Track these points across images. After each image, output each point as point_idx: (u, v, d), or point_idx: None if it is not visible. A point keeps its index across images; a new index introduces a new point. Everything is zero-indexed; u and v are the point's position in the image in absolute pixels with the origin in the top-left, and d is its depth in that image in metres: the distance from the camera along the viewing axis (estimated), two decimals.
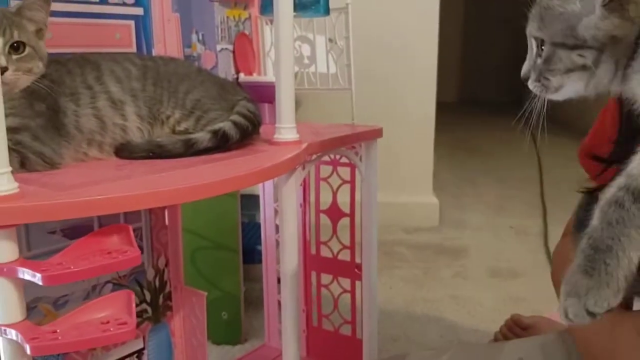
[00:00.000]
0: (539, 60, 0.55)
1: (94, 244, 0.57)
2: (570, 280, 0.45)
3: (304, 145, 0.82)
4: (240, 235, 1.26)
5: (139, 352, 1.01)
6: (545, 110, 0.57)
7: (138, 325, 1.00)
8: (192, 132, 0.78)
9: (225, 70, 1.09)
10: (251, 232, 1.39)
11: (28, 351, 0.51)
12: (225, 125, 0.78)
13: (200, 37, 1.05)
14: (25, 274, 0.52)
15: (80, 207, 0.55)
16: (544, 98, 0.57)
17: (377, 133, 1.01)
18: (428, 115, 2.11)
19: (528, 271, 1.69)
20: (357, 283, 1.10)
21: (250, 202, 1.36)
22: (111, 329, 0.54)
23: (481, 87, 5.87)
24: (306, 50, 1.07)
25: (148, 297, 1.01)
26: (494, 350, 0.77)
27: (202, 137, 0.76)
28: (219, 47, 1.07)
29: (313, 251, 1.16)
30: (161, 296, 1.03)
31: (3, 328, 0.53)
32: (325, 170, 1.12)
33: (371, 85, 2.03)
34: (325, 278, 1.16)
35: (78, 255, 0.55)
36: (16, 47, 0.67)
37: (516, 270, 1.71)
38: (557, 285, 0.69)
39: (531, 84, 0.57)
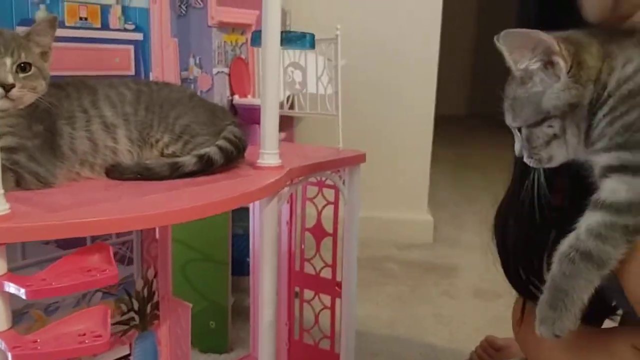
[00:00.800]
0: (524, 142, 0.63)
1: (76, 261, 0.62)
2: (541, 310, 0.59)
3: (285, 171, 0.87)
4: (230, 248, 1.31)
5: (125, 358, 1.06)
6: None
7: (125, 332, 1.05)
8: (180, 156, 0.83)
9: (221, 92, 1.14)
10: (244, 244, 1.44)
11: (10, 359, 0.56)
12: (211, 150, 0.83)
13: (198, 61, 1.10)
14: (11, 288, 0.57)
15: (67, 229, 0.60)
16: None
17: (360, 158, 1.06)
18: (426, 130, 2.13)
19: (513, 292, 1.72)
20: (337, 300, 1.14)
21: (244, 214, 1.41)
22: (87, 341, 0.59)
23: (491, 100, 5.85)
24: (298, 76, 1.12)
25: (136, 305, 1.06)
26: None
27: (188, 160, 0.81)
28: (215, 70, 1.13)
29: (297, 267, 1.21)
30: (149, 305, 1.08)
31: None
32: (312, 190, 1.17)
33: (369, 96, 2.08)
34: (308, 294, 1.20)
35: (61, 272, 0.60)
36: (23, 67, 0.73)
37: (501, 291, 1.74)
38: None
39: (527, 160, 0.65)
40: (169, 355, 1.11)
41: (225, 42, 1.14)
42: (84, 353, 0.59)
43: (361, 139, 2.02)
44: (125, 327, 1.05)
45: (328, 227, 1.15)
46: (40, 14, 0.86)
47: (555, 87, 0.58)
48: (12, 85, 0.70)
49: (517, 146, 0.66)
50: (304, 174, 0.94)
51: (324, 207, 1.15)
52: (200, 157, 0.82)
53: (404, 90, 2.10)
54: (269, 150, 0.87)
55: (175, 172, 0.80)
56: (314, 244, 1.18)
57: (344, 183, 1.07)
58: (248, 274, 1.31)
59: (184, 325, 1.09)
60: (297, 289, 1.23)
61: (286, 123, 1.53)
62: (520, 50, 0.60)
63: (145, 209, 0.67)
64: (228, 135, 0.87)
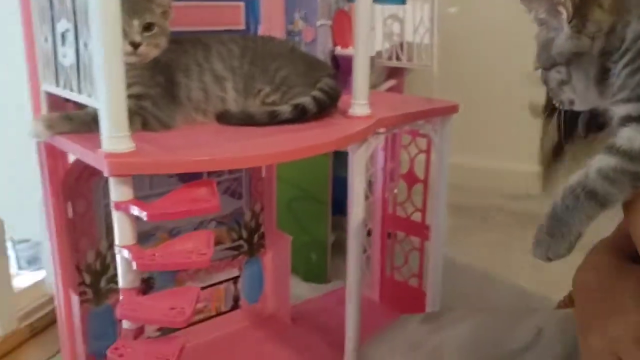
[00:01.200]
0: (545, 84, 0.66)
1: (188, 193, 0.75)
2: (538, 235, 0.62)
3: (374, 120, 0.95)
4: (331, 189, 1.42)
5: (235, 279, 1.23)
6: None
7: (235, 257, 1.21)
8: (278, 104, 0.93)
9: (324, 43, 1.23)
10: (341, 186, 1.54)
11: (134, 267, 0.71)
12: (305, 100, 0.92)
13: (303, 15, 1.19)
14: (135, 211, 0.71)
15: (182, 165, 0.74)
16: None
17: (452, 109, 1.10)
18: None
19: None
20: (426, 242, 1.22)
21: (342, 157, 1.51)
22: (193, 257, 0.72)
23: None
24: (396, 27, 1.17)
25: (245, 235, 1.21)
26: (520, 317, 0.86)
27: (285, 109, 0.91)
28: (319, 23, 1.21)
29: (390, 210, 1.29)
30: (256, 235, 1.23)
31: (119, 248, 0.73)
32: (407, 138, 1.24)
33: (485, 44, 2.04)
34: (400, 235, 1.29)
35: (175, 201, 0.74)
36: (147, 27, 0.85)
37: None
38: None
39: (554, 101, 0.68)
40: (272, 279, 1.26)
41: None
42: (190, 266, 0.72)
43: (473, 87, 2.03)
44: (235, 252, 1.21)
45: (420, 173, 1.22)
46: None
47: (560, 36, 0.61)
48: (140, 44, 0.83)
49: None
50: (392, 124, 1.01)
51: (416, 154, 1.22)
52: (295, 106, 0.91)
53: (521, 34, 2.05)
54: (359, 101, 0.94)
55: (273, 120, 0.90)
56: (406, 189, 1.25)
57: (436, 132, 1.12)
58: (346, 214, 1.42)
59: (285, 255, 1.22)
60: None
61: (396, 72, 1.58)
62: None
63: (244, 151, 0.78)
64: (322, 86, 0.95)
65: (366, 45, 0.92)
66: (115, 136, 0.70)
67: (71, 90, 0.79)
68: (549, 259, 0.62)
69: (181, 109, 0.89)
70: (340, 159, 1.47)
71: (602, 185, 0.57)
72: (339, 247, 1.54)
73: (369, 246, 1.33)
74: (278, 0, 1.12)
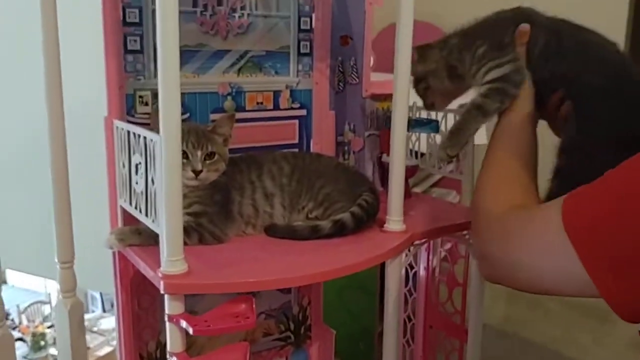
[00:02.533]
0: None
1: (230, 308, 0.86)
2: (442, 141, 1.02)
3: (407, 236, 1.03)
4: (379, 281, 1.50)
5: None
6: None
7: (282, 347, 1.30)
8: (321, 219, 1.04)
9: (371, 150, 1.33)
10: None
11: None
12: (344, 216, 1.02)
13: (352, 127, 1.31)
14: (184, 324, 0.83)
15: (231, 286, 0.85)
16: None
17: None
18: None
19: None
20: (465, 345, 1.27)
21: None
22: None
23: None
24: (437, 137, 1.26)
25: (292, 326, 1.31)
26: None
27: (325, 225, 1.01)
28: (367, 133, 1.32)
29: (433, 302, 1.35)
30: (302, 327, 1.32)
31: (170, 353, 0.85)
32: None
33: None
34: (440, 334, 1.34)
35: (218, 316, 0.85)
36: (209, 155, 0.99)
37: None
38: None
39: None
40: None
41: (377, 108, 1.32)
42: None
43: None
44: (283, 343, 1.30)
45: (460, 276, 1.28)
46: (228, 103, 1.13)
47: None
48: (201, 171, 0.97)
49: None
50: (428, 237, 1.09)
51: (456, 260, 1.28)
52: (335, 222, 1.01)
53: None
54: (393, 217, 1.03)
55: (314, 235, 1.00)
56: (446, 290, 1.31)
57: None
58: None
59: (329, 347, 1.30)
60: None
61: None
62: None
63: (286, 271, 0.89)
64: (361, 202, 1.05)
65: (402, 167, 1.02)
66: (171, 259, 0.83)
67: (140, 212, 0.93)
68: (448, 156, 0.97)
69: (234, 223, 1.01)
70: None
71: (484, 101, 0.93)
72: None
73: (412, 339, 1.39)
74: (329, 116, 1.25)
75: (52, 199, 1.09)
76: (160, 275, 0.83)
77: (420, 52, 1.04)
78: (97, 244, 1.10)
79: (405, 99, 0.99)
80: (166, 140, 0.79)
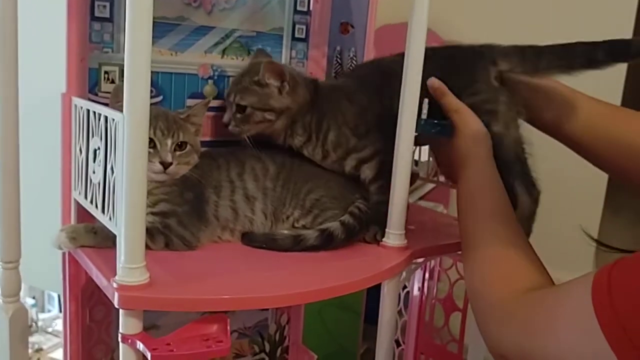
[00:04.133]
0: (238, 115, 0.92)
1: (198, 329, 0.71)
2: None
3: (408, 253, 0.89)
4: (365, 300, 1.36)
5: None
6: None
7: None
8: (309, 228, 0.89)
9: None
10: (376, 294, 1.48)
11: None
12: (333, 225, 0.88)
13: None
14: (140, 347, 0.67)
15: (197, 304, 0.70)
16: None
17: None
18: (597, 193, 1.99)
19: None
20: None
21: None
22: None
23: None
24: None
25: (267, 348, 1.16)
26: None
27: (310, 234, 0.86)
28: None
29: (426, 334, 1.21)
30: (279, 349, 1.17)
31: None
32: (447, 261, 1.17)
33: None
34: None
35: (183, 338, 0.69)
36: (180, 145, 0.84)
37: None
38: None
39: (231, 128, 0.94)
40: None
41: None
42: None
43: None
44: None
45: (459, 301, 1.14)
46: (208, 88, 0.99)
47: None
48: (170, 163, 0.82)
49: (227, 117, 0.94)
50: (427, 255, 0.96)
51: (456, 281, 1.15)
52: (322, 232, 0.87)
53: None
54: (394, 231, 0.89)
55: (297, 245, 0.86)
56: (443, 314, 1.17)
57: None
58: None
59: None
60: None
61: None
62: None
63: (263, 289, 0.74)
64: (353, 210, 0.91)
65: (406, 175, 0.88)
66: (129, 267, 0.68)
67: (96, 207, 0.78)
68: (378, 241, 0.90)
69: (207, 227, 0.86)
70: None
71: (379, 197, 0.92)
72: (370, 359, 1.46)
73: None
74: None
75: None
76: (115, 285, 0.68)
77: (292, 83, 0.93)
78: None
79: (414, 98, 0.85)
80: (130, 119, 0.64)
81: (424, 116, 0.89)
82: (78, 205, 0.87)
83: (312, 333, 1.21)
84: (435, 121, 0.89)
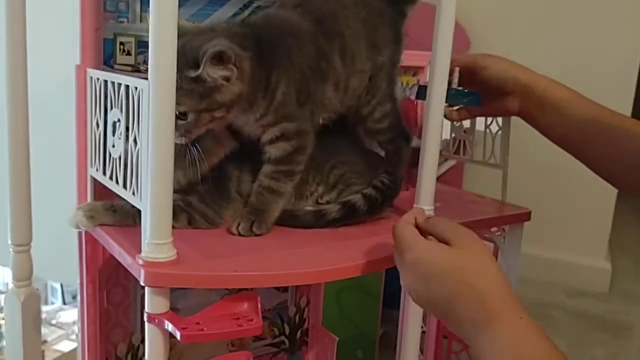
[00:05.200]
0: (180, 123, 0.72)
1: (228, 307, 0.68)
2: (245, 218, 0.79)
3: None
4: (383, 282, 1.33)
5: None
6: None
7: (275, 354, 1.12)
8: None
9: None
10: (394, 278, 1.44)
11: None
12: (355, 197, 0.84)
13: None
14: (169, 327, 0.64)
15: (224, 280, 0.67)
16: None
17: (523, 217, 1.00)
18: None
19: None
20: None
21: None
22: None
23: None
24: (466, 121, 1.09)
25: (287, 330, 1.13)
26: None
27: (332, 208, 0.83)
28: None
29: None
30: (299, 332, 1.14)
31: None
32: None
33: None
34: (456, 345, 1.17)
35: (213, 317, 0.66)
36: None
37: None
38: None
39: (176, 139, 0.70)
40: None
41: None
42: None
43: (539, 173, 1.92)
44: (276, 349, 1.12)
45: None
46: None
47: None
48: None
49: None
50: None
51: None
52: (344, 204, 0.83)
53: None
54: (423, 205, 0.86)
55: (319, 220, 0.82)
56: None
57: (503, 240, 1.02)
58: (396, 307, 1.32)
59: (329, 355, 1.12)
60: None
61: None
62: None
63: (296, 266, 0.71)
64: (377, 183, 0.87)
65: (436, 148, 0.84)
66: (156, 243, 0.64)
67: (117, 182, 0.74)
68: (255, 234, 0.78)
69: (230, 204, 0.83)
70: None
71: (272, 183, 0.79)
72: (387, 342, 1.43)
73: (420, 350, 1.21)
74: None
75: (8, 166, 0.89)
76: (140, 262, 0.64)
77: (239, 61, 0.72)
78: (58, 227, 0.90)
79: (445, 60, 0.81)
80: (156, 86, 0.61)
81: (454, 85, 0.85)
82: (95, 182, 0.83)
83: (330, 316, 1.18)
84: (466, 90, 0.85)
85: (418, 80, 1.18)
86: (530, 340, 0.57)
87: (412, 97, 1.18)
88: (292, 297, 1.12)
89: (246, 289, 0.78)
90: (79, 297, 0.90)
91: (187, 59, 0.68)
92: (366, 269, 0.74)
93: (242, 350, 1.04)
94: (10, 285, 0.96)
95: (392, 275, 1.39)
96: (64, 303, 2.64)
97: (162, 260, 0.64)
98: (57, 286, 2.63)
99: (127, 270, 0.90)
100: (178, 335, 0.62)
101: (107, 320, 0.91)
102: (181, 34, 0.62)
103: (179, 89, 0.64)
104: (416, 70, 1.17)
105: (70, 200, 0.88)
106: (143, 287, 0.91)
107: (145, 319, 0.66)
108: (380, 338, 1.39)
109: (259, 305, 0.67)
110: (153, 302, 0.65)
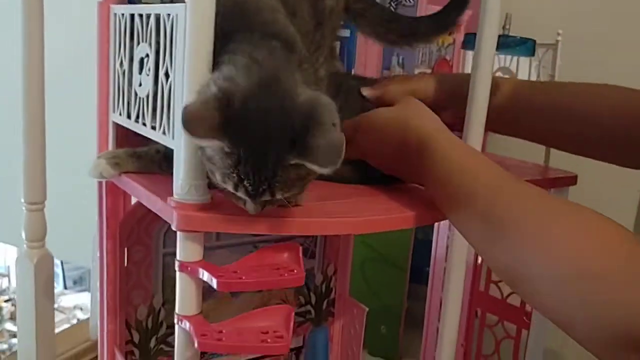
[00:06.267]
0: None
1: (267, 257, 0.62)
2: None
3: None
4: (411, 255, 1.27)
5: (298, 350, 1.08)
6: None
7: (300, 324, 1.06)
8: None
9: None
10: (423, 250, 1.38)
11: (196, 345, 0.58)
12: None
13: (400, 60, 1.07)
14: (204, 276, 0.58)
15: (260, 226, 0.61)
16: None
17: (570, 180, 0.94)
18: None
19: None
20: (524, 331, 1.04)
21: None
22: (268, 340, 0.58)
23: None
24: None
25: (313, 300, 1.07)
26: None
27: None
28: (417, 71, 1.08)
29: (482, 288, 1.12)
30: (325, 302, 1.08)
31: (180, 318, 0.61)
32: None
33: None
34: (490, 319, 1.11)
35: (251, 267, 0.60)
36: None
37: None
38: None
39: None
40: (340, 354, 1.10)
41: None
42: (264, 352, 0.59)
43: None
44: (301, 319, 1.06)
45: None
46: None
47: None
48: None
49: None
50: None
51: None
52: None
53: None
54: None
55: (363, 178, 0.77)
56: None
57: None
58: (424, 283, 1.26)
59: (358, 327, 1.07)
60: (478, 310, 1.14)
61: None
62: None
63: (341, 213, 0.65)
64: None
65: (485, 98, 0.78)
66: (190, 183, 0.58)
67: (144, 124, 0.68)
68: None
69: None
70: None
71: None
72: (412, 319, 1.37)
73: None
74: (374, 45, 1.00)
75: (22, 121, 0.84)
76: (173, 204, 0.59)
77: None
78: (57, 198, 0.88)
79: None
80: (194, 9, 0.55)
81: (505, 32, 0.79)
82: (117, 131, 0.78)
83: (353, 288, 1.12)
84: (520, 37, 0.79)
85: (454, 40, 1.12)
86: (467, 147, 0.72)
87: (448, 57, 1.12)
88: (319, 265, 1.06)
89: (283, 239, 0.73)
90: (97, 255, 0.85)
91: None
92: (419, 220, 0.68)
93: None
94: (23, 248, 0.90)
95: (420, 249, 1.34)
96: (65, 288, 2.61)
97: (197, 202, 0.59)
98: (59, 271, 2.60)
99: (148, 227, 0.86)
100: (215, 283, 0.57)
101: (127, 280, 0.86)
102: None
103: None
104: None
105: (77, 160, 0.82)
106: (165, 246, 0.87)
107: (176, 267, 0.60)
108: (407, 314, 1.33)
109: (301, 256, 0.62)
110: (186, 249, 0.59)
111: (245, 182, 0.54)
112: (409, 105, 0.75)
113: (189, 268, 0.59)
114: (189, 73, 0.56)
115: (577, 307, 0.51)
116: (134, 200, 0.84)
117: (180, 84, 0.58)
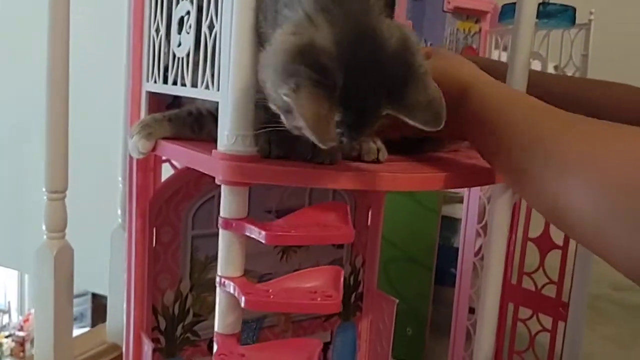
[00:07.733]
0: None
1: (313, 216, 0.59)
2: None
3: None
4: (436, 253, 1.23)
5: (326, 345, 1.03)
6: None
7: (327, 319, 1.02)
8: None
9: None
10: (444, 255, 1.35)
11: (242, 304, 0.54)
12: None
13: (428, 46, 1.05)
14: (252, 232, 0.55)
15: (308, 179, 0.58)
16: None
17: None
18: None
19: None
20: (560, 324, 1.00)
21: (448, 224, 1.32)
22: (318, 299, 0.55)
23: None
24: (536, 66, 1.01)
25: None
26: None
27: None
28: None
29: (514, 281, 1.09)
30: (353, 295, 1.05)
31: (223, 280, 0.57)
32: None
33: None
34: (524, 312, 1.07)
35: (298, 223, 0.57)
36: None
37: None
38: None
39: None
40: (368, 350, 1.06)
41: (458, 29, 1.07)
42: (314, 310, 0.55)
43: None
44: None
45: (557, 238, 1.02)
46: None
47: None
48: None
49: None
50: None
51: None
52: None
53: None
54: None
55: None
56: (537, 256, 1.05)
57: None
58: (447, 285, 1.23)
59: (387, 322, 1.03)
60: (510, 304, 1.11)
61: None
62: None
63: (390, 169, 0.62)
64: None
65: (525, 72, 0.76)
66: (236, 134, 0.56)
67: (183, 84, 0.66)
68: None
69: None
70: (445, 225, 1.29)
71: None
72: (437, 322, 1.33)
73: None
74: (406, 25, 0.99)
75: (45, 109, 0.82)
76: (219, 155, 0.56)
77: None
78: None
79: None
80: None
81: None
82: (150, 101, 0.76)
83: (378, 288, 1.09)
84: (560, 4, 0.77)
85: (480, 28, 1.11)
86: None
87: (474, 46, 1.11)
88: (347, 255, 1.02)
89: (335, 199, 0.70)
90: (126, 235, 0.81)
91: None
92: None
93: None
94: (43, 240, 0.87)
95: (445, 250, 1.30)
96: None
97: (244, 154, 0.56)
98: None
99: (177, 206, 0.83)
100: (263, 235, 0.54)
101: (155, 264, 0.82)
102: None
103: None
104: (479, 16, 1.10)
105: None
106: (194, 228, 0.84)
107: (220, 225, 0.57)
108: (433, 315, 1.29)
109: (349, 216, 0.59)
110: (231, 204, 0.56)
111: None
112: (443, 57, 0.74)
113: (234, 224, 0.56)
114: (237, 19, 0.55)
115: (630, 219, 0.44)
116: (163, 178, 0.82)
117: (228, 30, 0.56)
